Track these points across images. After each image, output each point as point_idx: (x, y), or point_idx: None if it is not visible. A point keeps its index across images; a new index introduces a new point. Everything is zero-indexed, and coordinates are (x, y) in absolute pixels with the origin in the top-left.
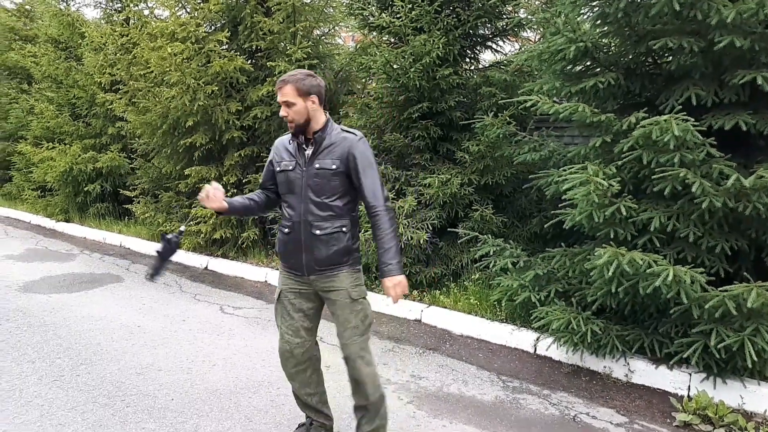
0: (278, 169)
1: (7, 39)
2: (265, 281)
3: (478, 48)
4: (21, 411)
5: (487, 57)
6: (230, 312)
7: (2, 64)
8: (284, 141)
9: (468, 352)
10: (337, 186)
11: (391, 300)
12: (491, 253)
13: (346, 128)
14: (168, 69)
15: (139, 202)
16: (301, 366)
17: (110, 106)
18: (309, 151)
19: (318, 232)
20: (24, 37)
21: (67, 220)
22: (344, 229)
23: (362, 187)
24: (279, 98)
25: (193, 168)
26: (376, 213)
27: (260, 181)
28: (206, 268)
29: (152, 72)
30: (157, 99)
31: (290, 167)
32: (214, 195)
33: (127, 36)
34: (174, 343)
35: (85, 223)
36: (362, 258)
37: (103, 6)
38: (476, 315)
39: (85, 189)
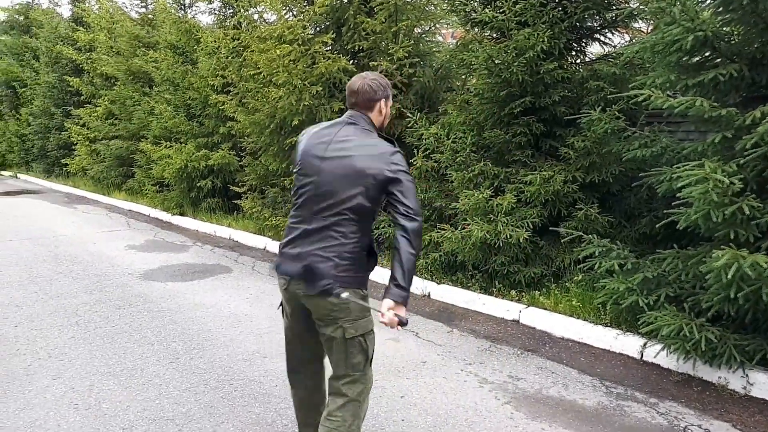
0: None
1: (132, 46)
2: None
3: (585, 41)
4: (142, 389)
5: (594, 50)
6: None
7: (128, 69)
8: None
9: (569, 355)
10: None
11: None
12: (596, 254)
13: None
14: (276, 70)
15: (247, 198)
16: None
17: (222, 107)
18: None
19: None
20: (146, 44)
21: (181, 214)
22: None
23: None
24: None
25: None
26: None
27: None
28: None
29: (261, 73)
30: (266, 99)
31: None
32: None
33: (238, 40)
34: (278, 332)
35: (198, 217)
36: None
37: (217, 12)
38: (578, 318)
39: (198, 185)
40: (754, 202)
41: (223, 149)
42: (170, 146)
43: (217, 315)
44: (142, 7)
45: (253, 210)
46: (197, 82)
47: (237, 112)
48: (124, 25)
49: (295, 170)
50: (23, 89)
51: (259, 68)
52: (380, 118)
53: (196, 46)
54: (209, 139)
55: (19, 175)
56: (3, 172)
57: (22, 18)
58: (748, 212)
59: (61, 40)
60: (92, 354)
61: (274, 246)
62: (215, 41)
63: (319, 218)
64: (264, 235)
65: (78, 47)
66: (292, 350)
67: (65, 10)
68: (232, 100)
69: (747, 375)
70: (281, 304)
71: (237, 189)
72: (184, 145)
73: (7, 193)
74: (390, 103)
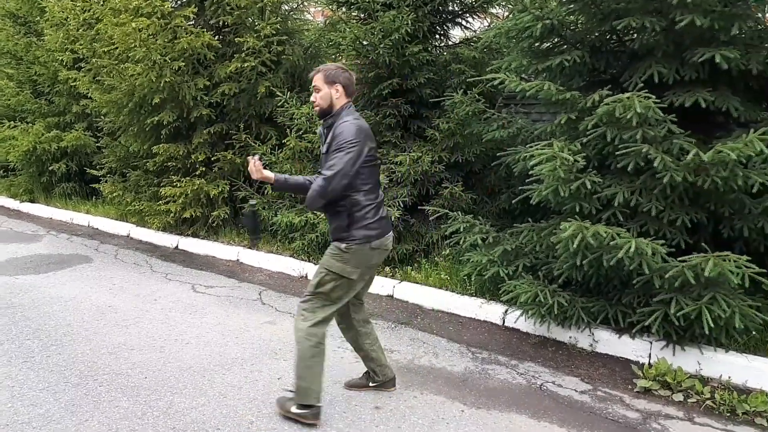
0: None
1: None
2: (237, 260)
3: (448, 24)
4: None
5: (456, 33)
6: (202, 291)
7: None
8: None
9: (439, 325)
10: None
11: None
12: (461, 230)
13: (355, 116)
14: (133, 45)
15: (106, 182)
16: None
17: (74, 84)
18: (326, 137)
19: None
20: None
21: (32, 201)
22: (339, 209)
23: (324, 161)
24: (314, 84)
25: (161, 146)
26: (316, 176)
27: None
28: (177, 247)
29: (116, 48)
30: (122, 76)
31: (322, 151)
32: (254, 166)
33: (90, 11)
34: (146, 322)
35: (51, 204)
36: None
37: None
38: (447, 290)
39: (50, 168)
40: (595, 177)
41: (77, 129)
42: (15, 126)
43: (77, 308)
44: None
45: (114, 194)
46: (44, 56)
47: (91, 89)
48: None
49: (370, 154)
50: None
51: (114, 43)
52: None
53: (39, 17)
54: (61, 118)
55: None
56: None
57: None
58: (590, 187)
59: None
60: None
61: (138, 232)
62: (63, 11)
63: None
64: (127, 221)
65: None
66: (348, 307)
67: None
68: (84, 76)
69: (593, 333)
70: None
71: (95, 172)
72: (31, 125)
73: None
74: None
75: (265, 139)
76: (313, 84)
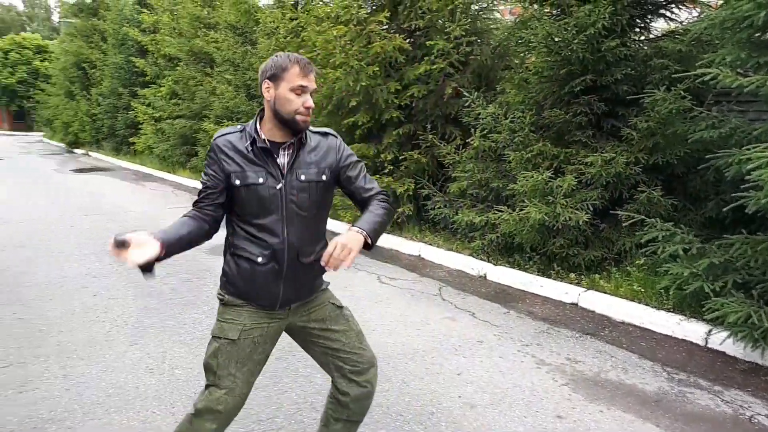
0: (238, 183)
1: (194, 27)
2: (419, 255)
3: (650, 17)
4: None
5: (659, 26)
6: (387, 282)
7: (189, 50)
8: (232, 142)
9: (629, 339)
10: (328, 201)
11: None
12: (659, 239)
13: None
14: (333, 51)
15: None
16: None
17: None
18: (286, 158)
19: (305, 260)
20: (207, 24)
21: None
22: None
23: (357, 178)
24: (309, 84)
25: (354, 145)
26: (377, 195)
27: (197, 198)
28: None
29: (318, 54)
30: (323, 80)
31: (260, 180)
32: (138, 240)
33: (296, 20)
34: (346, 303)
35: None
36: None
37: None
38: (640, 302)
39: None
40: None
41: None
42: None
43: None
44: None
45: None
46: (257, 62)
47: None
48: (185, 7)
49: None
50: (93, 70)
51: (316, 49)
52: (268, 104)
53: (255, 27)
54: None
55: (90, 153)
56: (76, 150)
57: (90, 1)
58: None
59: (127, 22)
60: (164, 323)
61: (331, 224)
62: (273, 22)
63: None
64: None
65: (143, 29)
66: None
67: None
68: None
69: None
70: None
71: None
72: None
73: (80, 171)
74: (279, 83)
75: (450, 139)
76: (313, 84)
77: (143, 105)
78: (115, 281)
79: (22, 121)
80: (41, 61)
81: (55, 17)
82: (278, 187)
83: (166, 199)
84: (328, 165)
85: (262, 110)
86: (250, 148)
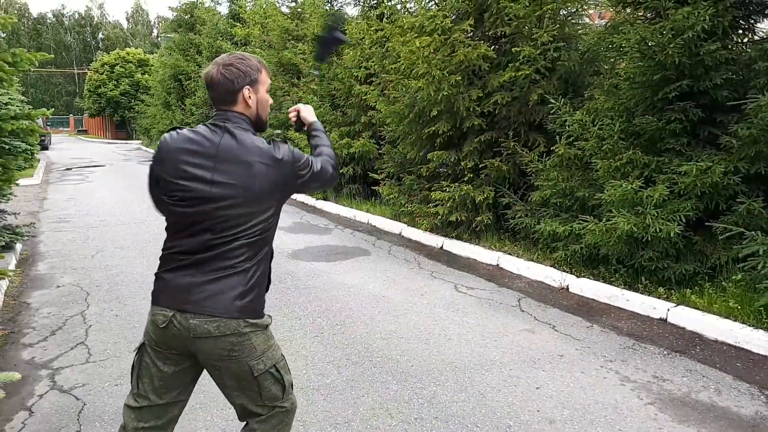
0: None
1: (283, 39)
2: (497, 264)
3: (755, 17)
4: (291, 359)
5: (765, 27)
6: (464, 291)
7: (278, 61)
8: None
9: (723, 359)
10: None
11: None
12: (760, 253)
13: None
14: (416, 61)
15: (384, 185)
16: None
17: (364, 97)
18: None
19: None
20: (296, 36)
21: (325, 199)
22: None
23: None
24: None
25: (434, 153)
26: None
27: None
28: (441, 247)
29: (402, 64)
30: (405, 89)
31: None
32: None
33: (381, 31)
34: (414, 314)
35: (339, 202)
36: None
37: (361, 3)
38: (735, 320)
39: (341, 171)
40: None
41: (363, 137)
42: None
43: (358, 294)
44: (292, 1)
45: (390, 196)
46: (342, 72)
47: (378, 102)
48: (276, 20)
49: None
50: (188, 82)
51: (399, 59)
52: (249, 111)
53: None
54: (351, 127)
55: None
56: None
57: (187, 16)
58: None
59: (221, 36)
60: None
61: (409, 232)
62: (359, 32)
63: None
64: (399, 221)
65: (235, 42)
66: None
67: (224, 8)
68: (374, 90)
69: None
70: None
71: (376, 176)
72: (328, 133)
73: None
74: (258, 87)
75: (533, 146)
76: (267, 81)
77: None
78: None
79: (122, 130)
80: (142, 74)
81: (155, 33)
82: None
83: None
84: None
85: (235, 123)
86: None
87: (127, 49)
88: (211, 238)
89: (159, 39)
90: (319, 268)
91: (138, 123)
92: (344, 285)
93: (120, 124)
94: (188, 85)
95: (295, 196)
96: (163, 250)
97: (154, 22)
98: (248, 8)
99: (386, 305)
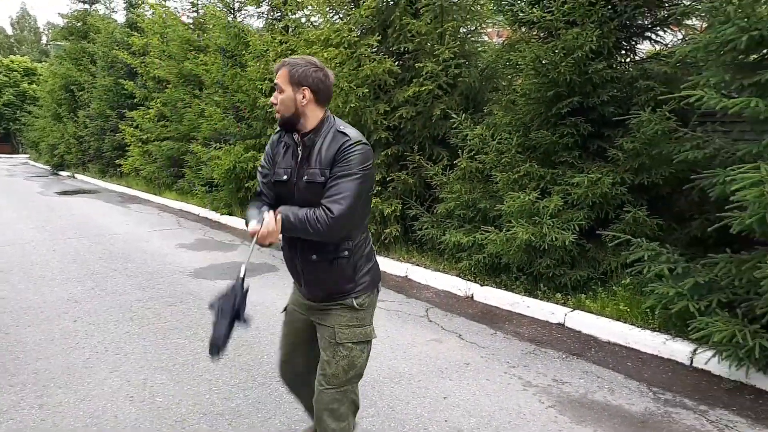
0: (267, 180)
1: (183, 50)
2: (406, 276)
3: (636, 39)
4: (193, 384)
5: (645, 48)
6: None
7: (179, 72)
8: (274, 140)
9: (615, 360)
10: None
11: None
12: (645, 258)
13: (344, 128)
14: None
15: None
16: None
17: (270, 110)
18: (299, 157)
19: (314, 257)
20: (197, 47)
21: (230, 214)
22: (345, 253)
23: (331, 187)
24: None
25: None
26: (320, 206)
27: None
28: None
29: None
30: None
31: (283, 177)
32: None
33: (286, 43)
34: None
35: (245, 217)
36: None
37: (265, 16)
38: (625, 322)
39: (246, 185)
40: None
41: None
42: (219, 148)
43: (265, 313)
44: (193, 11)
45: None
46: (246, 84)
47: None
48: (176, 30)
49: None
50: (81, 92)
51: None
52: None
53: (244, 50)
54: (257, 140)
55: (76, 175)
56: (61, 173)
57: (80, 24)
58: None
59: (117, 45)
60: (146, 349)
61: None
62: (263, 45)
63: None
64: None
65: (132, 51)
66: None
67: (120, 16)
68: None
69: None
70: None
71: None
72: (233, 146)
73: (65, 193)
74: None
75: (437, 160)
76: (275, 80)
77: (131, 127)
78: (97, 306)
79: (7, 143)
80: (29, 83)
81: (45, 40)
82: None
83: (151, 221)
84: (326, 164)
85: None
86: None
87: (12, 56)
88: None
89: (48, 47)
90: (224, 286)
91: (25, 136)
92: (250, 303)
93: (5, 137)
94: (81, 96)
95: (197, 211)
96: (362, 241)
97: (43, 29)
98: (147, 17)
99: None
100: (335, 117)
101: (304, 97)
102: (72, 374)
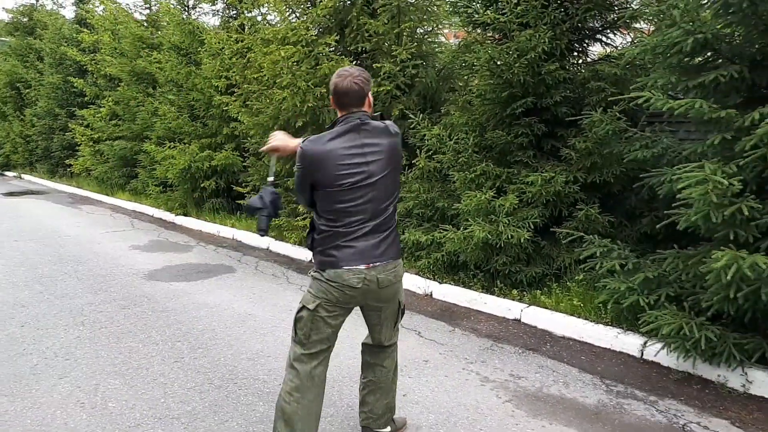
0: None
1: (136, 47)
2: None
3: (587, 41)
4: (147, 388)
5: (596, 50)
6: None
7: (131, 70)
8: None
9: (570, 354)
10: None
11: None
12: (597, 254)
13: (326, 130)
14: (279, 72)
15: (250, 198)
16: None
17: (225, 108)
18: None
19: None
20: (150, 45)
21: (185, 214)
22: (314, 232)
23: None
24: None
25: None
26: None
27: None
28: (311, 261)
29: (265, 75)
30: (269, 101)
31: None
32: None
33: (242, 42)
34: (282, 331)
35: (201, 217)
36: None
37: (221, 14)
38: (579, 317)
39: (202, 185)
40: (753, 203)
41: (226, 150)
42: (174, 147)
43: (221, 315)
44: (146, 8)
45: None
46: (201, 83)
47: (241, 113)
48: (128, 27)
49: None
50: (27, 90)
51: (262, 70)
52: (370, 109)
53: (200, 48)
54: (213, 139)
55: (23, 175)
56: (7, 173)
57: (26, 19)
58: (747, 213)
59: (65, 42)
60: (98, 354)
61: (277, 246)
62: (219, 43)
63: None
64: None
65: (82, 48)
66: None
67: (69, 12)
68: (235, 101)
69: (746, 373)
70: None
71: (240, 189)
72: (187, 145)
73: (11, 194)
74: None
75: None
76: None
77: (81, 126)
78: (45, 310)
79: None
80: None
81: None
82: None
83: (104, 222)
84: None
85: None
86: None
87: None
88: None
89: None
90: (179, 288)
91: None
92: (206, 305)
93: None
94: (28, 94)
95: (152, 212)
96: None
97: None
98: (97, 13)
99: (252, 324)
100: (349, 118)
101: (331, 101)
102: (19, 381)
